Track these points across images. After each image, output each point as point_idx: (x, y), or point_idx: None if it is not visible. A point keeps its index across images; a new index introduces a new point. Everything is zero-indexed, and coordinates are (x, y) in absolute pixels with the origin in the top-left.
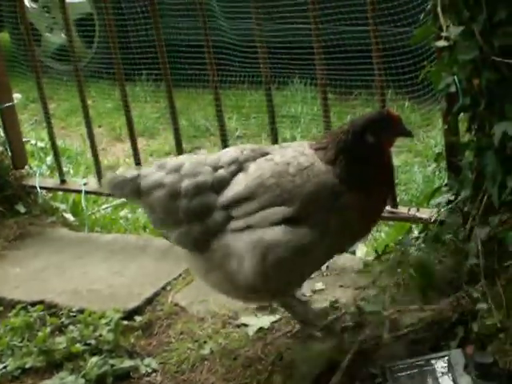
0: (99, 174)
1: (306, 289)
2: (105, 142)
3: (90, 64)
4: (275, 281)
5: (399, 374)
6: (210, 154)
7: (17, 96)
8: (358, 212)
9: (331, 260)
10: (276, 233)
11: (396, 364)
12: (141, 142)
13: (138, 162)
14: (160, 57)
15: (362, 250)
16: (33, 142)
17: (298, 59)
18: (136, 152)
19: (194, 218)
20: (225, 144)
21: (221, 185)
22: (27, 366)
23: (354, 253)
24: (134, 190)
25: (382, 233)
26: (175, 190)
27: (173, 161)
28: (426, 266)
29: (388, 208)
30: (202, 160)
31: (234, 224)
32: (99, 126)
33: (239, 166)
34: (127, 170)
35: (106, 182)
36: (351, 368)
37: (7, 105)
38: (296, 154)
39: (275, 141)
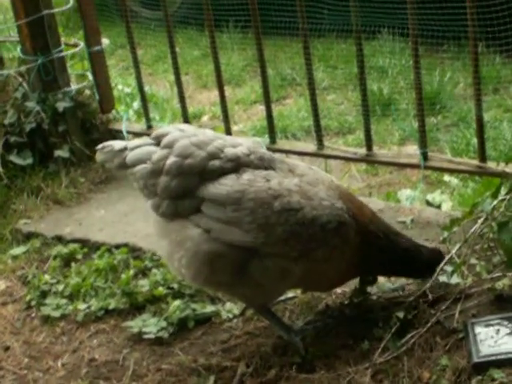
0: (186, 121)
1: None
2: (191, 89)
3: (178, 10)
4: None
5: (481, 330)
6: (218, 136)
7: (104, 41)
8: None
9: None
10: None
11: (479, 320)
12: (226, 91)
13: (224, 110)
14: (250, 3)
15: (447, 204)
16: (120, 87)
17: (388, 8)
18: (223, 100)
19: (169, 195)
20: (312, 94)
21: (209, 175)
22: (110, 307)
23: (439, 207)
24: (120, 163)
25: (468, 188)
26: (158, 167)
27: (172, 134)
28: None
29: (476, 162)
30: (203, 142)
31: (197, 218)
32: (186, 74)
33: (236, 166)
34: (116, 141)
35: (97, 153)
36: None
37: (96, 48)
38: (307, 189)
39: (364, 91)
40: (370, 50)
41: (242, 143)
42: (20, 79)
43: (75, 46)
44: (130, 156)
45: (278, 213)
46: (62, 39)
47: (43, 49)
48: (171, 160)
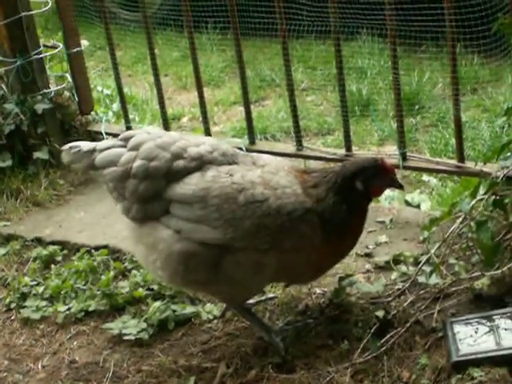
0: (165, 123)
1: (368, 242)
2: (170, 90)
3: (158, 11)
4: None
5: (461, 329)
6: (182, 137)
7: (84, 43)
8: (321, 256)
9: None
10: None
11: (458, 319)
12: (206, 92)
13: (203, 112)
14: (229, 5)
15: (426, 204)
16: (99, 88)
17: (367, 9)
18: (202, 101)
19: (137, 199)
20: (291, 95)
21: (175, 176)
22: (90, 308)
23: (418, 206)
24: (89, 165)
25: (447, 188)
26: (126, 169)
27: (138, 136)
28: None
29: (455, 162)
30: (167, 143)
31: (167, 220)
32: (165, 75)
33: (200, 165)
34: (83, 142)
35: (63, 153)
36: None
37: (75, 50)
38: (269, 179)
39: (343, 92)
40: (348, 50)
41: (204, 141)
42: None
43: (54, 47)
44: (100, 158)
45: (244, 206)
46: (41, 41)
47: (22, 50)
48: (137, 163)
